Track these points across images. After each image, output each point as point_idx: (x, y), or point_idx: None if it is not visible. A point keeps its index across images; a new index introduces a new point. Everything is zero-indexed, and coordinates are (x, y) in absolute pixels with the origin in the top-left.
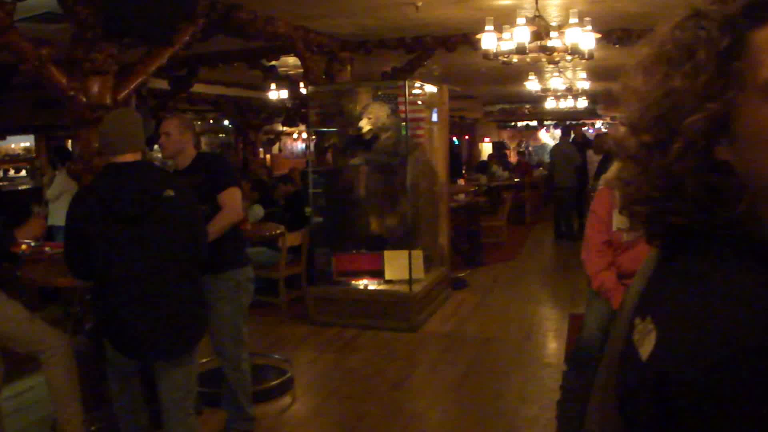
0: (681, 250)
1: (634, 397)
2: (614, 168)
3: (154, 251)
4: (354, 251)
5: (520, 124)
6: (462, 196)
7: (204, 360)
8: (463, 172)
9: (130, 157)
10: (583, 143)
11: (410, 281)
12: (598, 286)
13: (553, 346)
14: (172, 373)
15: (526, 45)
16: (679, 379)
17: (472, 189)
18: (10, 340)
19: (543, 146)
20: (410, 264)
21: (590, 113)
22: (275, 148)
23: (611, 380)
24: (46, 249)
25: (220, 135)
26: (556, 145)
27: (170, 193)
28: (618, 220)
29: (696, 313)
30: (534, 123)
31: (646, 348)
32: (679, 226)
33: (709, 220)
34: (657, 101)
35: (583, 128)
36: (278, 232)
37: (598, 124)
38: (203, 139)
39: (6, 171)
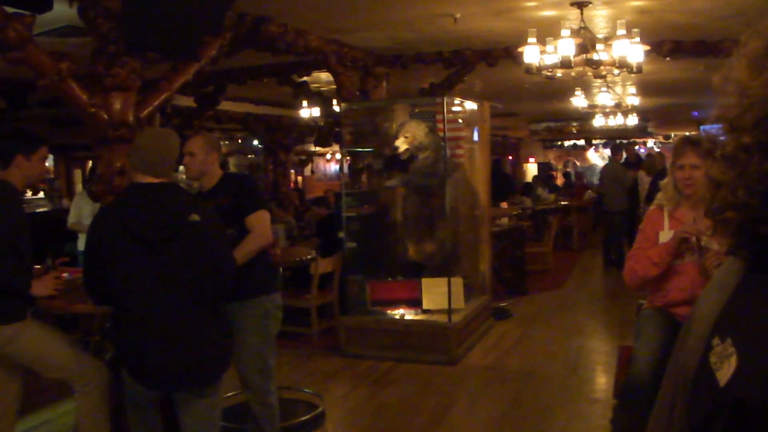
0: None
1: (708, 423)
2: (665, 188)
3: (176, 278)
4: (390, 279)
5: (567, 143)
6: (505, 220)
7: (230, 393)
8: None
9: (157, 180)
10: (636, 163)
11: (449, 311)
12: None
13: (600, 381)
14: (194, 406)
15: (571, 58)
16: (761, 407)
17: (516, 213)
18: (42, 364)
19: (591, 167)
20: (449, 293)
21: (641, 131)
22: (307, 170)
23: (679, 402)
24: (64, 275)
25: (249, 156)
26: (606, 165)
27: (196, 217)
28: (665, 239)
29: None
30: (582, 142)
31: (724, 372)
32: None
33: None
34: (763, 100)
35: (637, 147)
36: (309, 257)
37: (650, 142)
38: (231, 160)
39: (23, 192)
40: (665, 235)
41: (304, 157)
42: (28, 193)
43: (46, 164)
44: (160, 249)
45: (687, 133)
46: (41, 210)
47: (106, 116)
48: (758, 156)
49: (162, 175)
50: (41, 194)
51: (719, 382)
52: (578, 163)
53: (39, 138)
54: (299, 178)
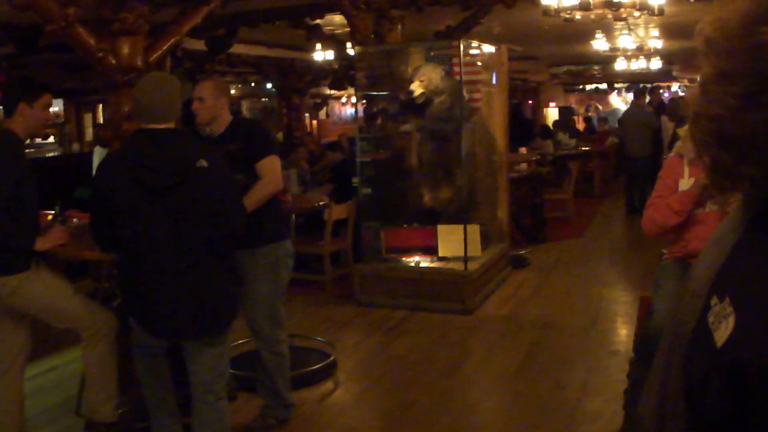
0: None
1: (704, 384)
2: (685, 136)
3: (184, 224)
4: (405, 226)
5: (588, 87)
6: (524, 166)
7: (239, 341)
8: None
9: (163, 125)
10: (659, 107)
11: (465, 259)
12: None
13: (621, 333)
14: (202, 354)
15: (591, 0)
16: (758, 368)
17: (535, 158)
18: (51, 314)
19: (614, 111)
20: (466, 240)
21: (665, 75)
22: (322, 113)
23: (675, 362)
24: (74, 220)
25: (263, 99)
26: (628, 110)
27: (203, 163)
28: (685, 187)
29: None
30: (604, 86)
31: (722, 332)
32: None
33: None
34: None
35: (660, 91)
36: (322, 203)
37: (675, 86)
38: (244, 104)
39: (32, 139)
40: (685, 183)
41: (319, 101)
42: (38, 138)
43: (51, 111)
44: (167, 196)
45: None
46: (51, 155)
47: (114, 61)
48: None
49: (165, 120)
50: (51, 139)
51: (716, 342)
52: (601, 108)
53: (42, 85)
54: (314, 122)
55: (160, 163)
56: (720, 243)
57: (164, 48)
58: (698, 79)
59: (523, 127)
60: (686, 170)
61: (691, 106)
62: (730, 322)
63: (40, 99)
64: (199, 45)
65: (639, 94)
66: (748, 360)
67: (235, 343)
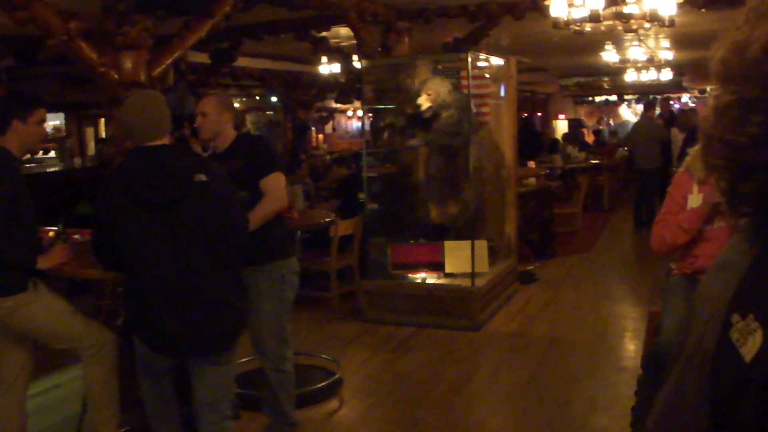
0: None
1: (734, 400)
2: (695, 154)
3: (186, 240)
4: (411, 241)
5: (598, 99)
6: (532, 180)
7: (244, 360)
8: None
9: (157, 142)
10: (669, 119)
11: (473, 275)
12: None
13: (629, 348)
14: (207, 372)
15: (600, 12)
16: None
17: (544, 172)
18: (49, 335)
19: (624, 123)
20: (473, 256)
21: (675, 86)
22: (328, 127)
23: (690, 380)
24: (76, 237)
25: (267, 113)
26: (638, 122)
27: (202, 177)
28: (694, 204)
29: None
30: (614, 98)
31: (749, 348)
32: None
33: None
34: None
35: (671, 103)
36: (328, 220)
37: (685, 97)
38: (248, 117)
39: (30, 153)
40: (694, 199)
41: (325, 114)
42: (39, 152)
43: (47, 125)
44: (167, 212)
45: None
46: (52, 170)
47: (116, 76)
48: (743, 109)
49: (157, 137)
50: (52, 153)
51: (744, 358)
52: (612, 122)
53: (34, 99)
54: (320, 136)
55: (157, 179)
56: (732, 264)
57: (167, 62)
58: (712, 101)
59: (533, 140)
60: (695, 186)
61: (704, 130)
62: (758, 337)
63: (34, 114)
64: (202, 58)
65: (649, 106)
66: None
67: (240, 361)
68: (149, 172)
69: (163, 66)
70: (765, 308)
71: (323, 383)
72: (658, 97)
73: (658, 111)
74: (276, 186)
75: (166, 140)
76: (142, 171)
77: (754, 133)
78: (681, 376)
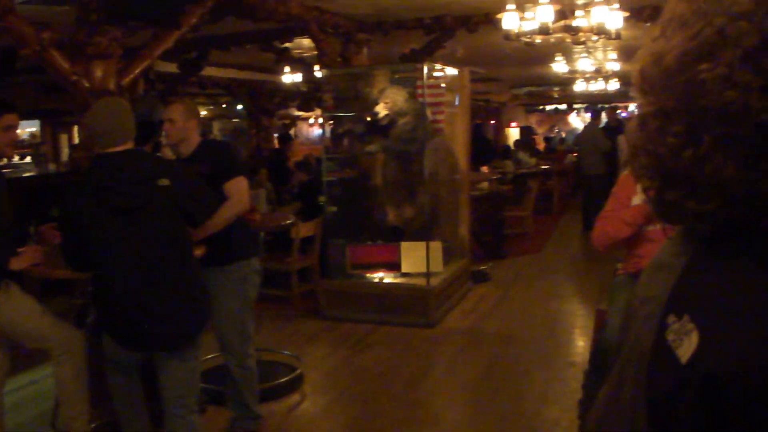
0: (729, 247)
1: (671, 401)
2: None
3: (151, 242)
4: (369, 243)
5: (548, 107)
6: (485, 185)
7: (209, 356)
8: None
9: (121, 147)
10: (616, 127)
11: (428, 274)
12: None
13: (578, 344)
14: (174, 368)
15: (550, 25)
16: (730, 381)
17: (496, 177)
18: (20, 334)
19: (573, 131)
20: (428, 256)
21: (623, 96)
22: (291, 134)
23: (628, 378)
24: (57, 241)
25: (233, 120)
26: (584, 130)
27: (165, 181)
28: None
29: (752, 313)
30: (563, 106)
31: (685, 349)
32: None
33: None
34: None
35: (618, 111)
36: (290, 222)
37: (632, 107)
38: (215, 125)
39: (11, 157)
40: (638, 200)
41: (287, 122)
42: (15, 158)
43: (18, 131)
44: (134, 216)
45: None
46: (27, 174)
47: (87, 84)
48: (660, 120)
49: (121, 143)
50: (28, 159)
51: (680, 358)
52: (564, 134)
53: (4, 105)
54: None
55: (122, 184)
56: (667, 265)
57: (137, 71)
58: (636, 111)
59: (484, 146)
60: (639, 187)
61: (630, 139)
62: (693, 338)
63: (2, 119)
64: (171, 68)
65: (596, 115)
66: (719, 373)
67: (205, 358)
68: (114, 177)
69: (133, 75)
70: (700, 309)
71: (285, 378)
72: (606, 105)
73: (604, 120)
74: (239, 190)
75: (130, 145)
76: (107, 176)
77: (673, 144)
78: (619, 375)
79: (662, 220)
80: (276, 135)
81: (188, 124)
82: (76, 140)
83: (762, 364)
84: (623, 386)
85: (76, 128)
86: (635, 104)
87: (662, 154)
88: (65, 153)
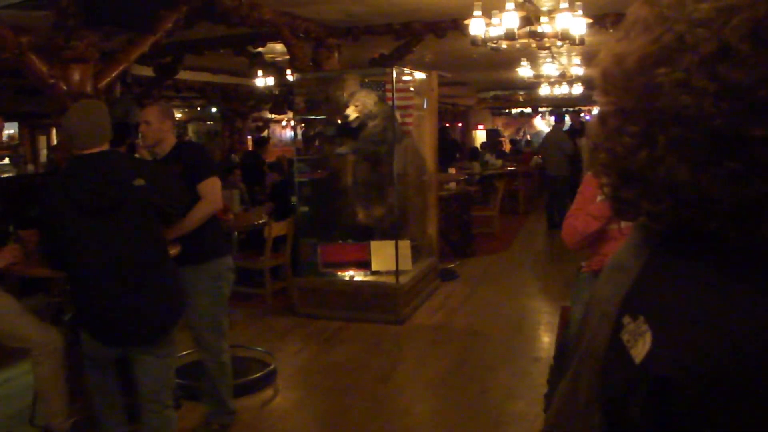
0: (686, 251)
1: (624, 401)
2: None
3: (127, 241)
4: (340, 241)
5: (514, 111)
6: (453, 185)
7: (184, 353)
8: (457, 156)
9: (97, 149)
10: (580, 130)
11: (397, 272)
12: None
13: (544, 340)
14: (149, 363)
15: (515, 31)
16: (680, 384)
17: (463, 178)
18: (0, 333)
19: (538, 133)
20: (397, 255)
21: (586, 99)
22: (265, 136)
23: (585, 376)
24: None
25: (208, 123)
26: (548, 133)
27: (140, 182)
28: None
29: (704, 317)
30: (529, 110)
31: (639, 350)
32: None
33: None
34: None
35: (582, 115)
36: (262, 221)
37: (595, 110)
38: (190, 127)
39: None
40: (603, 197)
41: (260, 124)
42: None
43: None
44: (109, 216)
45: None
46: (6, 175)
47: (65, 87)
48: (617, 118)
49: (97, 145)
50: (6, 160)
51: (635, 359)
52: (529, 137)
53: None
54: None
55: (97, 186)
56: (624, 266)
57: (113, 74)
58: (597, 110)
59: (450, 148)
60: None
61: (590, 137)
62: (647, 339)
63: None
64: (147, 71)
65: (559, 118)
66: (670, 376)
67: (180, 354)
68: (90, 178)
69: (109, 78)
70: (655, 310)
71: (259, 374)
72: (571, 109)
73: (569, 123)
74: (212, 190)
75: (106, 147)
76: (83, 177)
77: (630, 143)
78: (575, 373)
79: (618, 217)
80: (251, 138)
81: (163, 126)
82: (55, 142)
83: (711, 368)
84: (579, 384)
85: (54, 130)
86: (598, 105)
87: (619, 153)
88: (44, 154)
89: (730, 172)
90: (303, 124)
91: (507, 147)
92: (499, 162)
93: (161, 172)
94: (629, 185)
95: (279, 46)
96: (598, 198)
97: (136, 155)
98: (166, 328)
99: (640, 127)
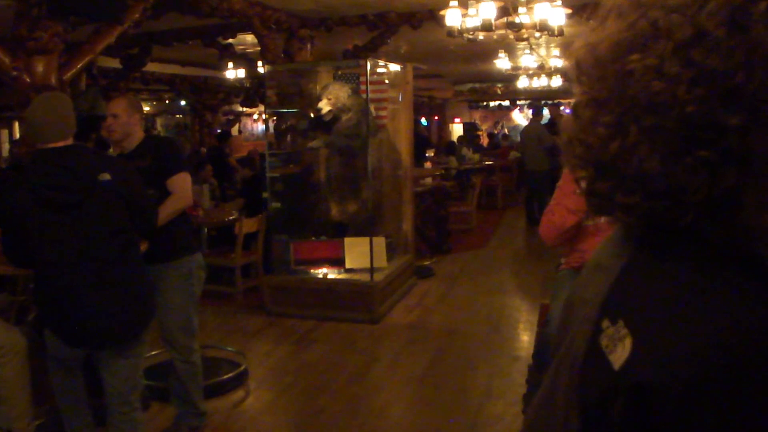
0: (665, 250)
1: (602, 407)
2: None
3: (92, 237)
4: (313, 238)
5: (492, 104)
6: (429, 180)
7: (153, 352)
8: (431, 154)
9: (61, 143)
10: (558, 124)
11: (372, 270)
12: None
13: (522, 339)
14: (117, 365)
15: (492, 21)
16: (660, 390)
17: (439, 173)
18: None
19: (516, 127)
20: (372, 252)
21: (565, 92)
22: (234, 130)
23: (563, 379)
24: None
25: (177, 116)
26: (527, 126)
27: (106, 176)
28: None
29: (685, 323)
30: (507, 103)
31: (618, 355)
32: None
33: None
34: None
35: (561, 108)
36: (233, 217)
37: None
38: (158, 120)
39: None
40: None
41: (231, 117)
42: None
43: None
44: (74, 211)
45: None
46: None
47: (28, 79)
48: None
49: (61, 138)
50: None
51: (613, 364)
52: (507, 130)
53: None
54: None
55: (62, 180)
56: (604, 266)
57: (78, 66)
58: (571, 102)
59: (419, 142)
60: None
61: (565, 128)
62: (627, 344)
63: None
64: (114, 63)
65: (537, 112)
66: (649, 382)
67: (149, 354)
68: (54, 172)
69: (74, 70)
70: (635, 315)
71: (230, 374)
72: (550, 102)
73: (547, 116)
74: (182, 185)
75: (70, 141)
76: (47, 172)
77: (603, 134)
78: (554, 376)
79: (593, 211)
80: (215, 132)
81: (131, 119)
82: (17, 135)
83: (690, 376)
84: (557, 387)
85: (16, 123)
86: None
87: (593, 145)
88: (5, 148)
89: (703, 162)
90: (275, 118)
91: (485, 141)
92: (477, 156)
93: (126, 165)
94: (603, 178)
95: (250, 38)
96: (577, 192)
97: (111, 151)
98: (134, 330)
99: (613, 117)
